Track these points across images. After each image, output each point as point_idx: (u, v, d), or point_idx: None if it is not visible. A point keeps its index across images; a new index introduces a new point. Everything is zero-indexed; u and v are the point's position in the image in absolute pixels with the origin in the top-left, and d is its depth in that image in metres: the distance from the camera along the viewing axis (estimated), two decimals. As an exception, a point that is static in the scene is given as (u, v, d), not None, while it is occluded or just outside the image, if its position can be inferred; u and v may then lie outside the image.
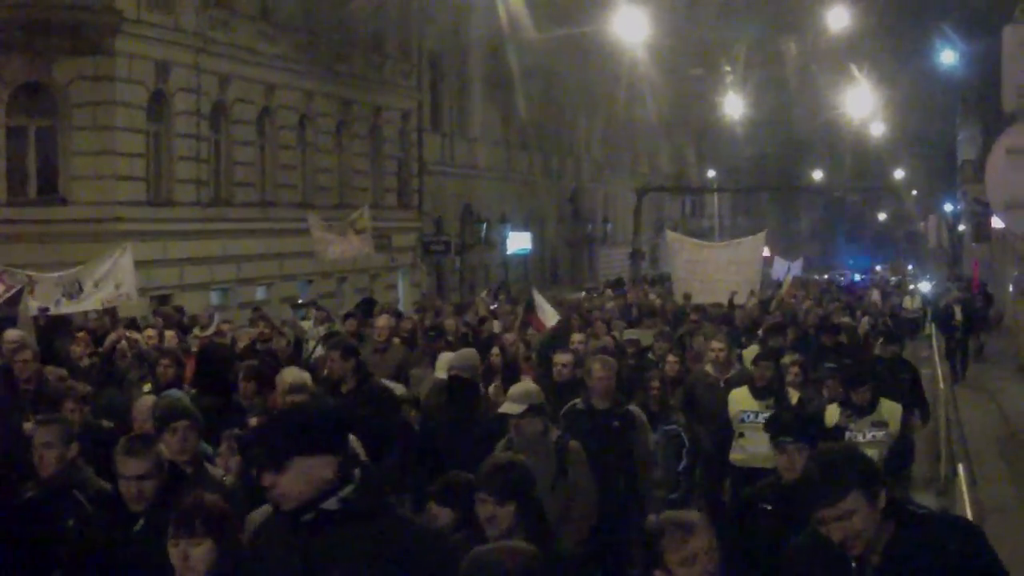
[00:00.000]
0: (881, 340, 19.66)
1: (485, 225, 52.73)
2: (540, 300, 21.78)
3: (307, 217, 29.32)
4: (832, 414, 12.32)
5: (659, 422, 12.83)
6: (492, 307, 28.04)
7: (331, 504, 5.17)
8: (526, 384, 10.24)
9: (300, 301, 30.47)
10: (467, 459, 9.92)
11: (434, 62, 50.43)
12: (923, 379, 25.77)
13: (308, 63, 39.03)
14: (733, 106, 74.56)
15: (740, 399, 13.11)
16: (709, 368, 15.45)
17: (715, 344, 15.70)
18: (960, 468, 13.35)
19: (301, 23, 38.64)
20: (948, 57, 58.93)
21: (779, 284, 39.52)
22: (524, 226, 58.88)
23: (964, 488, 12.46)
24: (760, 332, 20.02)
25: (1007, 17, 23.72)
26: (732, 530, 8.54)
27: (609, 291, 39.26)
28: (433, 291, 43.92)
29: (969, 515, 11.43)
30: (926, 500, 17.06)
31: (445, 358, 14.20)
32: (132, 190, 30.66)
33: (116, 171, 30.04)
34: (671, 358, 16.04)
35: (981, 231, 49.82)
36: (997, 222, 28.30)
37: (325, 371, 13.77)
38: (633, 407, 11.58)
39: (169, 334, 18.59)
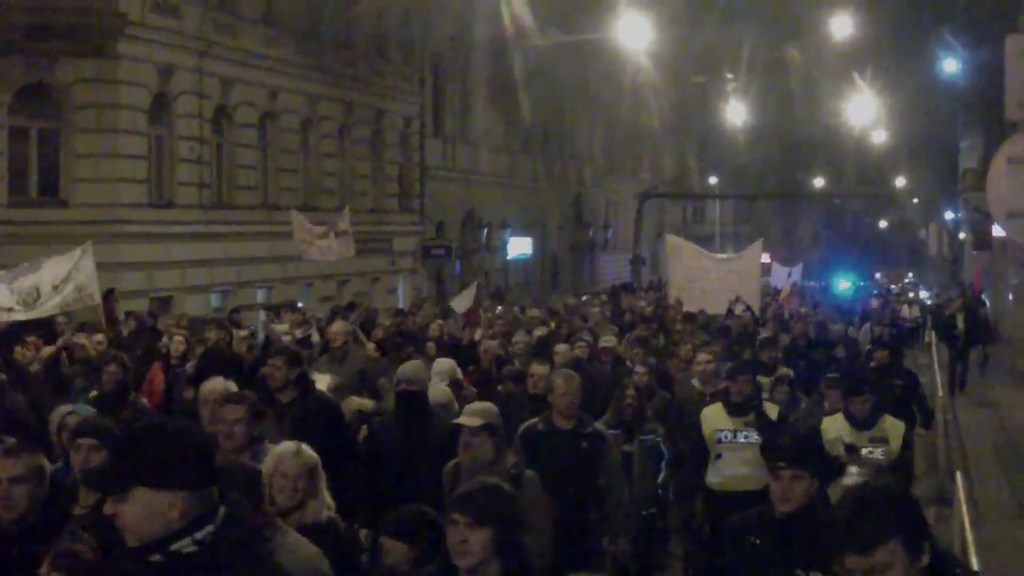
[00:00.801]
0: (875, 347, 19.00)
1: (486, 230, 52.82)
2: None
3: (291, 216, 28.48)
4: (830, 427, 11.60)
5: (635, 432, 12.13)
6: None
7: (184, 546, 4.41)
8: (484, 403, 9.59)
9: (272, 303, 29.86)
10: (417, 476, 9.76)
11: (436, 67, 50.50)
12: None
13: (311, 67, 39.09)
14: (735, 112, 74.64)
15: (715, 417, 12.05)
16: (696, 382, 14.62)
17: (701, 356, 14.85)
18: (959, 477, 13.34)
19: (304, 27, 38.71)
20: (950, 65, 59.01)
21: (778, 292, 39.34)
22: (525, 231, 58.91)
23: (962, 497, 12.47)
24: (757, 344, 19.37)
25: (1010, 26, 23.75)
26: (712, 563, 7.86)
27: (597, 297, 38.68)
28: (431, 294, 43.85)
29: (967, 524, 11.45)
30: (925, 510, 17.06)
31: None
32: (134, 192, 30.68)
33: (118, 173, 30.05)
34: (640, 368, 14.67)
35: (982, 239, 49.75)
36: (998, 231, 28.34)
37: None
38: (600, 426, 10.75)
39: (178, 339, 17.41)
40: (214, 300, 33.69)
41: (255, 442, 8.82)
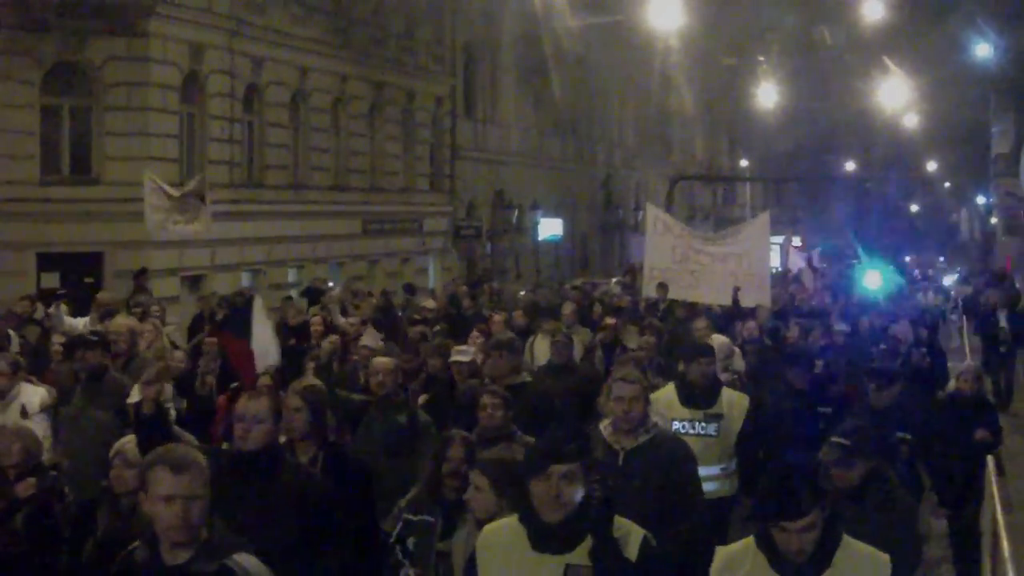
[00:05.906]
0: (873, 385, 12.31)
1: (516, 211, 52.79)
2: (259, 312, 13.73)
3: (144, 182, 24.55)
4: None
5: (458, 519, 7.51)
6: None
7: None
8: None
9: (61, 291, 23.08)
10: None
11: (468, 48, 50.43)
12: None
13: (341, 47, 39.08)
14: (766, 95, 74.42)
15: None
16: (604, 428, 8.71)
17: (618, 386, 8.63)
18: (990, 462, 13.24)
19: (335, 7, 38.71)
20: (983, 49, 58.69)
21: (795, 278, 36.48)
22: (556, 212, 58.77)
23: (993, 482, 12.39)
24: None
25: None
26: None
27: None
28: (461, 275, 43.78)
29: (998, 509, 11.37)
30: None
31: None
32: (165, 171, 30.66)
33: (149, 151, 30.06)
34: (486, 400, 9.38)
35: (1013, 224, 49.52)
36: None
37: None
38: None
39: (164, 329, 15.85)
40: (244, 279, 33.75)
41: None
